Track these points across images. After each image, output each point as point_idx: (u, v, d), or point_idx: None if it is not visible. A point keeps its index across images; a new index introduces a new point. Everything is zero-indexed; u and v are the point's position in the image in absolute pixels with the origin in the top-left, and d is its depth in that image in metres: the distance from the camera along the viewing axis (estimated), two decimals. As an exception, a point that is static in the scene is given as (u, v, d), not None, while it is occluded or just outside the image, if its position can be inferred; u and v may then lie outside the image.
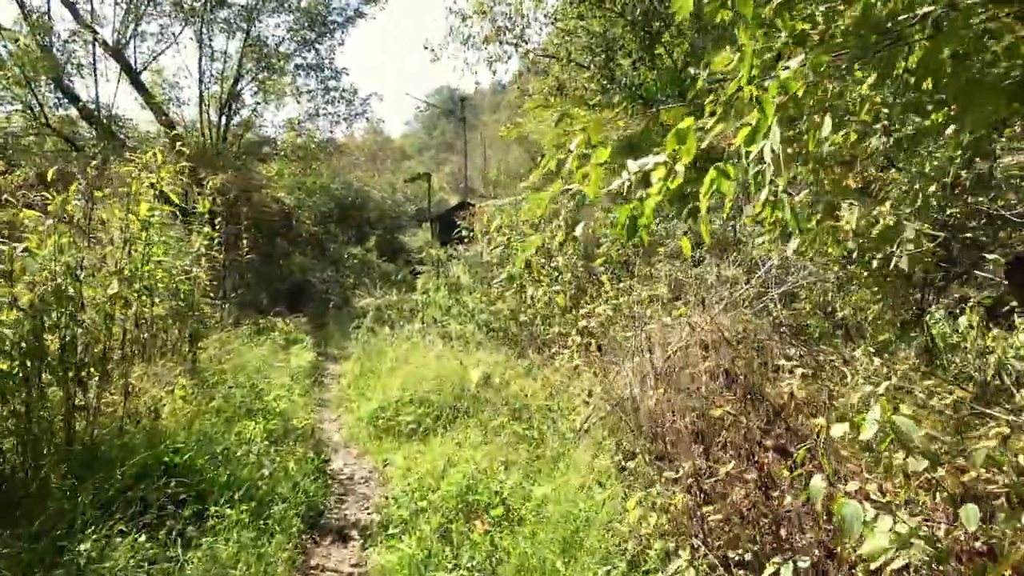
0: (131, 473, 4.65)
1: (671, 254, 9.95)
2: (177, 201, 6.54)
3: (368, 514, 5.40)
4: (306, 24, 22.31)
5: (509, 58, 15.52)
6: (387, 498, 5.48)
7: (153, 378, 6.20)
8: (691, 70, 12.99)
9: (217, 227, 12.39)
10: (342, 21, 22.84)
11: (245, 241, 12.39)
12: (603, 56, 12.81)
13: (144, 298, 6.15)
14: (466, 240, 13.58)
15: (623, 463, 5.30)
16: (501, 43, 14.38)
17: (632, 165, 3.17)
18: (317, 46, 22.94)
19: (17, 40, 18.59)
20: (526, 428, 6.26)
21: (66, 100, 20.40)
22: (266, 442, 5.91)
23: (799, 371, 5.62)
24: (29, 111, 20.10)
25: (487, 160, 47.77)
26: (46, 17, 19.49)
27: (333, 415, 8.41)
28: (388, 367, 8.70)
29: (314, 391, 9.38)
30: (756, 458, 4.18)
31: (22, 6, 19.03)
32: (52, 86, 20.24)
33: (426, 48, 18.15)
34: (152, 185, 6.53)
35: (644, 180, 3.18)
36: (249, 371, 7.93)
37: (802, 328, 7.85)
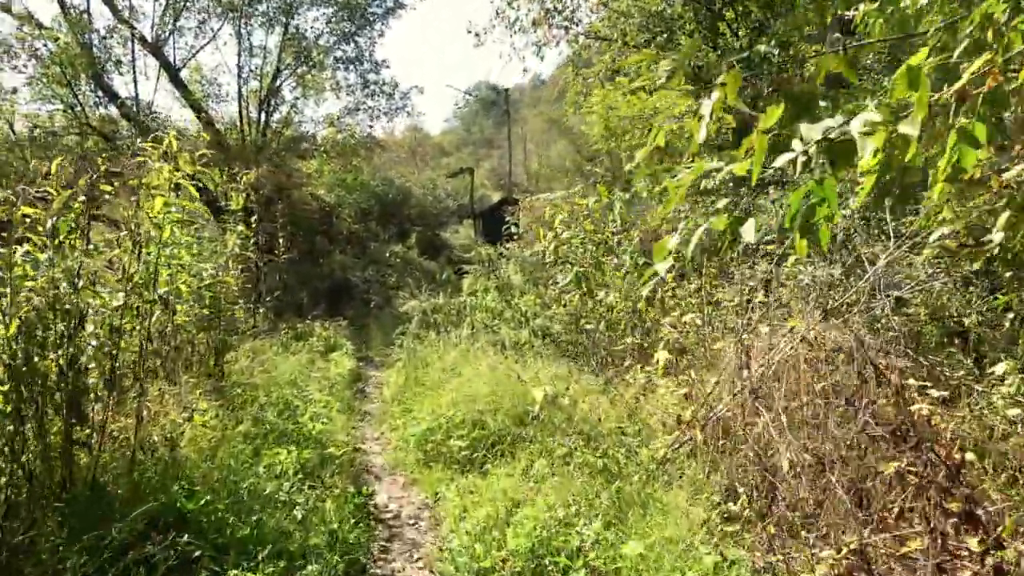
0: (136, 526, 3.81)
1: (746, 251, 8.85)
2: (195, 195, 5.69)
3: (419, 569, 4.48)
4: (345, 16, 21.58)
5: (558, 43, 14.49)
6: (441, 549, 4.56)
7: (173, 399, 5.38)
8: (760, 48, 11.81)
9: (253, 225, 11.67)
10: (382, 13, 22.07)
11: (283, 240, 11.61)
12: (664, 36, 11.69)
13: (161, 308, 5.33)
14: (516, 237, 12.62)
15: (728, 511, 4.28)
16: (550, 26, 13.36)
17: (811, 130, 2.14)
18: (357, 39, 22.21)
19: (57, 39, 18.25)
20: (601, 457, 5.27)
21: (106, 99, 20.04)
22: (299, 476, 5.04)
23: (932, 392, 4.53)
24: (70, 110, 19.83)
25: (528, 155, 46.79)
26: (85, 15, 19.15)
27: (375, 432, 7.53)
28: (436, 377, 7.79)
29: (355, 403, 8.54)
30: (932, 525, 3.14)
31: (62, 4, 18.69)
32: (92, 85, 19.91)
33: (469, 32, 17.20)
34: (173, 181, 5.73)
35: (828, 152, 2.16)
36: (283, 384, 7.10)
37: (916, 337, 6.70)
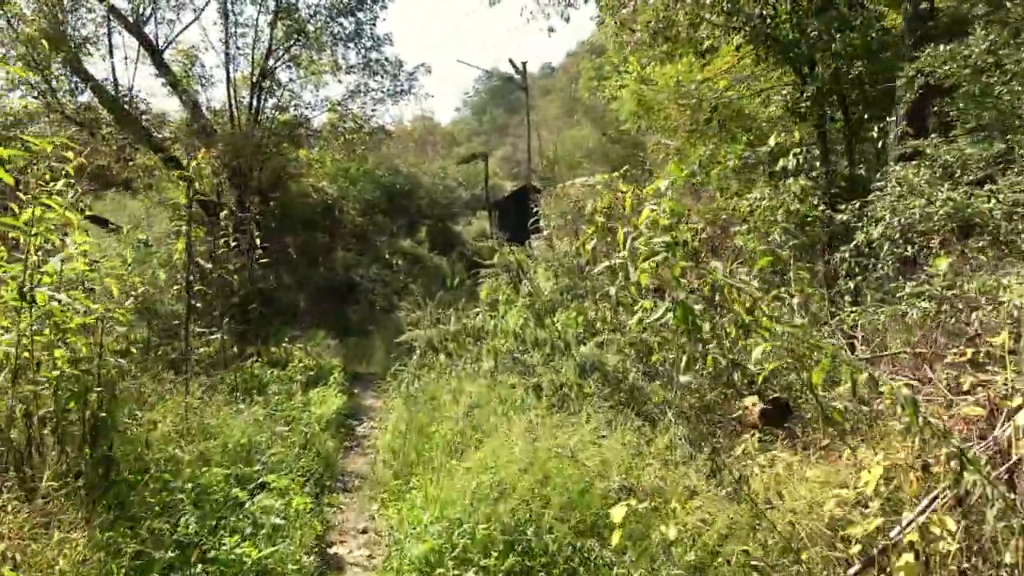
0: None
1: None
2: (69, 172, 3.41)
3: None
4: (343, -12, 19.15)
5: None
6: None
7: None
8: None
9: (223, 221, 9.42)
10: (382, -14, 19.60)
11: (258, 239, 9.30)
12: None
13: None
14: (544, 233, 10.26)
15: None
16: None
17: None
18: (357, 13, 19.75)
19: (18, 14, 16.02)
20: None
21: (83, 85, 17.76)
22: None
23: None
24: (42, 97, 17.64)
25: (543, 142, 44.33)
26: (54, -12, 16.87)
27: (362, 518, 5.26)
28: (446, 435, 5.49)
29: (338, 462, 6.27)
30: None
31: (26, -25, 16.43)
32: (67, 69, 17.70)
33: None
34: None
35: None
36: (227, 456, 4.83)
37: None
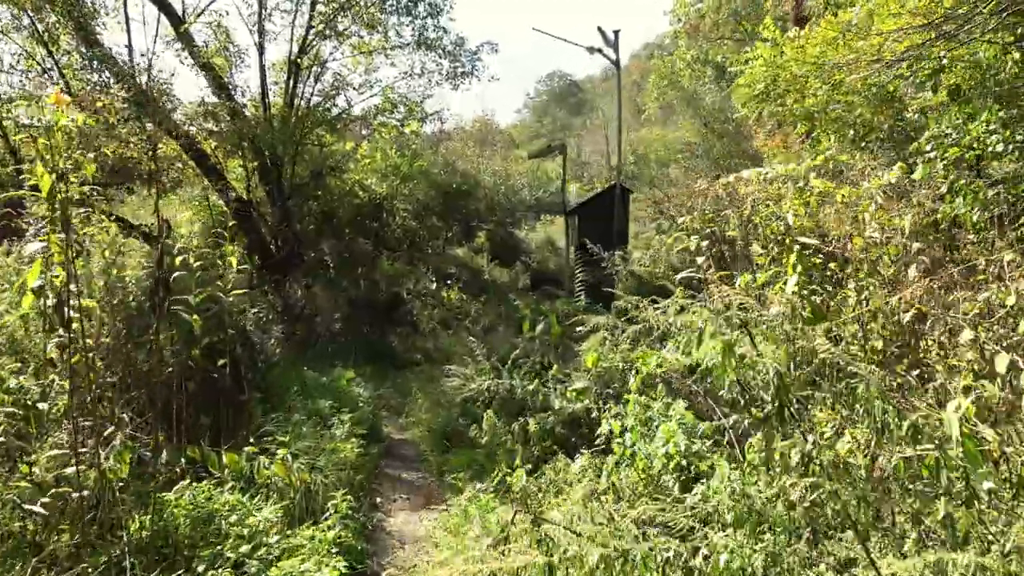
0: None
1: None
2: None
3: None
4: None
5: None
6: None
7: None
8: None
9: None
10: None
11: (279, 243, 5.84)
12: None
13: None
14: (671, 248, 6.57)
15: None
16: None
17: None
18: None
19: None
20: None
21: (94, 61, 14.84)
22: None
23: None
24: (46, 74, 14.84)
25: (609, 143, 40.38)
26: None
27: None
28: None
29: None
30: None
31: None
32: (77, 41, 14.85)
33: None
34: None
35: None
36: None
37: None
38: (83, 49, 15.15)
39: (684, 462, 3.65)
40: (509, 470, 4.67)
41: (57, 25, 14.10)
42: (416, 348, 13.44)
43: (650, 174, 18.80)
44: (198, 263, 5.87)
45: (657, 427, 4.11)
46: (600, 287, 15.38)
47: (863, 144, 10.30)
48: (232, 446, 4.91)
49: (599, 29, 15.45)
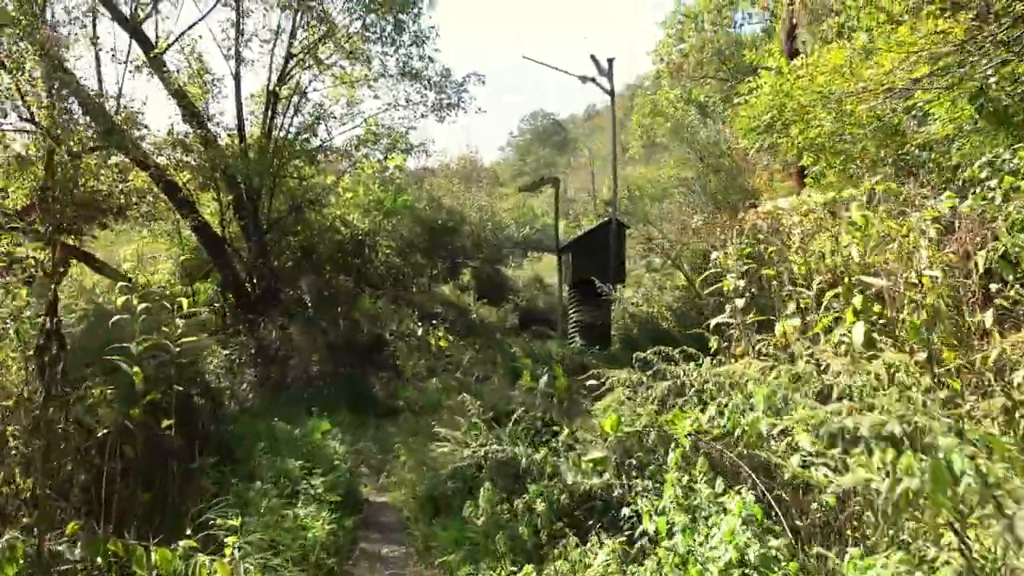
0: None
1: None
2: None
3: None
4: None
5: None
6: None
7: None
8: None
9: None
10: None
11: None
12: None
13: None
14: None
15: None
16: None
17: None
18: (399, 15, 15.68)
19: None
20: None
21: (60, 87, 13.95)
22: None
23: None
24: (9, 100, 13.87)
25: (594, 180, 40.14)
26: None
27: None
28: None
29: None
30: None
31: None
32: (43, 66, 13.96)
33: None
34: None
35: None
36: None
37: None
38: (50, 75, 14.23)
39: (754, 575, 2.73)
40: (513, 569, 3.73)
41: (20, 49, 13.23)
42: (399, 395, 12.42)
43: (644, 209, 18.14)
44: (142, 304, 4.91)
45: (707, 519, 3.19)
46: (595, 328, 14.58)
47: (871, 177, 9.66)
48: (170, 532, 3.93)
49: (592, 58, 14.98)
